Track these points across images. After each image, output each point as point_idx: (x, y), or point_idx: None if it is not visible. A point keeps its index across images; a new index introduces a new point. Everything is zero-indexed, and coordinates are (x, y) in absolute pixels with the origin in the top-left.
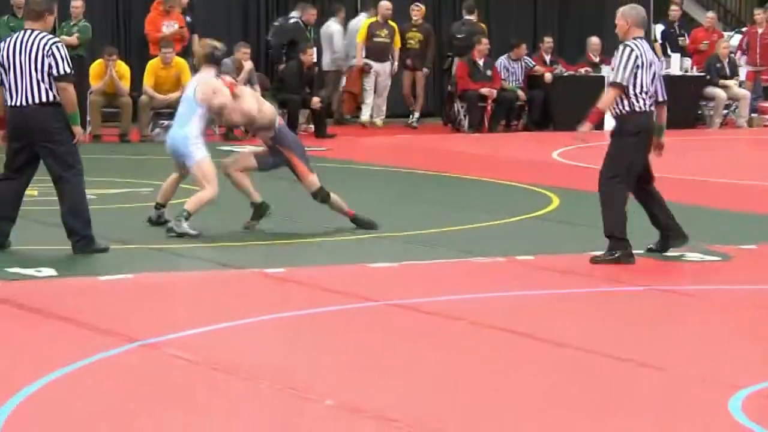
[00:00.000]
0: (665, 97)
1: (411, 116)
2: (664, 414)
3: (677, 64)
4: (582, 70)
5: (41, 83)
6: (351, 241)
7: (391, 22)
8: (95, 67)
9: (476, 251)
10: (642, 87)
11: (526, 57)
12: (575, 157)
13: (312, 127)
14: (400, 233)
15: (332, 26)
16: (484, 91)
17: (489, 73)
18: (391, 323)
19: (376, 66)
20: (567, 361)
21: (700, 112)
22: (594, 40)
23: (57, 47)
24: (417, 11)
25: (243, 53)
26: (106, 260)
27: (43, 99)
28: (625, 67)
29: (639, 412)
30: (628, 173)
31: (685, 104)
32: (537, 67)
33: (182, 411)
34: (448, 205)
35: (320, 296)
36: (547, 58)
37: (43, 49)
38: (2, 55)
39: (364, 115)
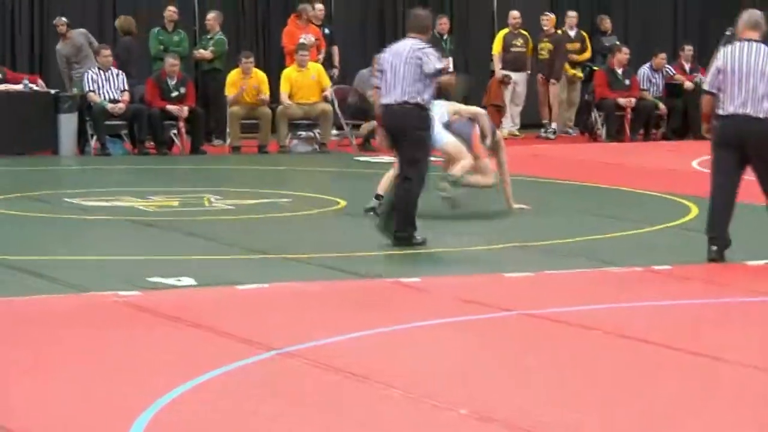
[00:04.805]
0: None
1: (546, 127)
2: None
3: None
4: None
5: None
6: (488, 251)
7: (524, 32)
8: (232, 75)
9: (613, 261)
10: (721, 91)
11: (666, 65)
12: None
13: None
14: (538, 243)
15: None
16: (622, 100)
17: (627, 82)
18: (526, 333)
19: (513, 76)
20: (706, 371)
21: None
22: None
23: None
24: (547, 20)
25: None
26: (244, 270)
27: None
28: (709, 73)
29: None
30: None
31: None
32: (677, 76)
33: (318, 419)
34: (586, 215)
35: (455, 306)
36: (687, 66)
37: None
38: (384, 59)
39: (505, 127)
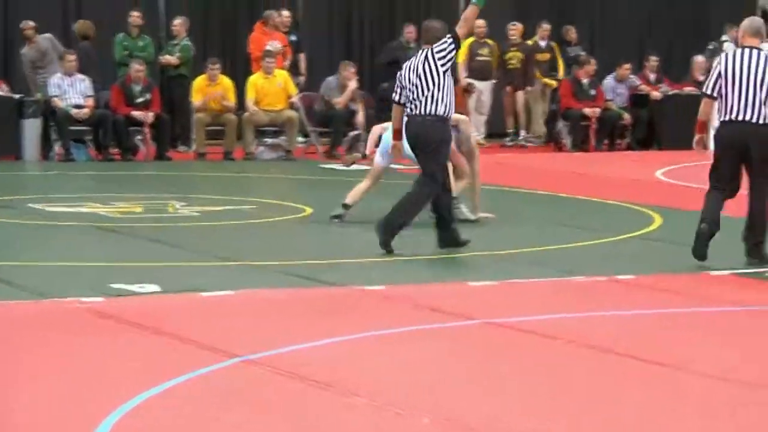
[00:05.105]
0: None
1: (513, 136)
2: None
3: None
4: (687, 89)
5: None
6: (451, 259)
7: (489, 41)
8: (198, 82)
9: (577, 270)
10: (722, 97)
11: (631, 76)
12: (679, 176)
13: None
14: (501, 251)
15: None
16: (587, 111)
17: (593, 92)
18: (489, 341)
19: (478, 85)
20: (667, 381)
21: None
22: (699, 59)
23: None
24: (515, 30)
25: (349, 72)
26: (208, 276)
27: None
28: (709, 79)
29: None
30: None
31: None
32: (642, 86)
33: (282, 426)
34: (550, 224)
35: (419, 314)
36: (652, 77)
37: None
38: (403, 76)
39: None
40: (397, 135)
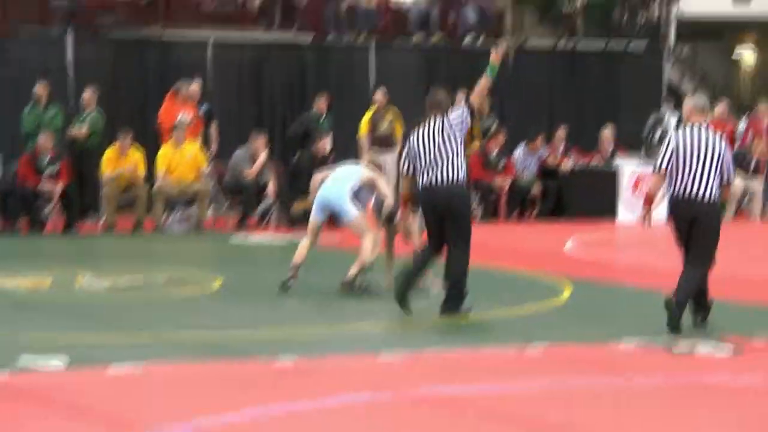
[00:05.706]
0: (727, 180)
1: None
2: None
3: None
4: (594, 161)
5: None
6: (363, 330)
7: (391, 110)
8: (108, 154)
9: (487, 341)
10: (671, 174)
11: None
12: (587, 247)
13: None
14: (410, 323)
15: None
16: (498, 181)
17: (502, 163)
18: (400, 414)
19: (382, 156)
20: None
21: None
22: (606, 132)
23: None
24: None
25: (260, 143)
26: (116, 350)
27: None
28: (663, 155)
29: None
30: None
31: None
32: (551, 157)
33: None
34: None
35: (329, 387)
36: (561, 148)
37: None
38: (417, 145)
39: None
40: (407, 203)
